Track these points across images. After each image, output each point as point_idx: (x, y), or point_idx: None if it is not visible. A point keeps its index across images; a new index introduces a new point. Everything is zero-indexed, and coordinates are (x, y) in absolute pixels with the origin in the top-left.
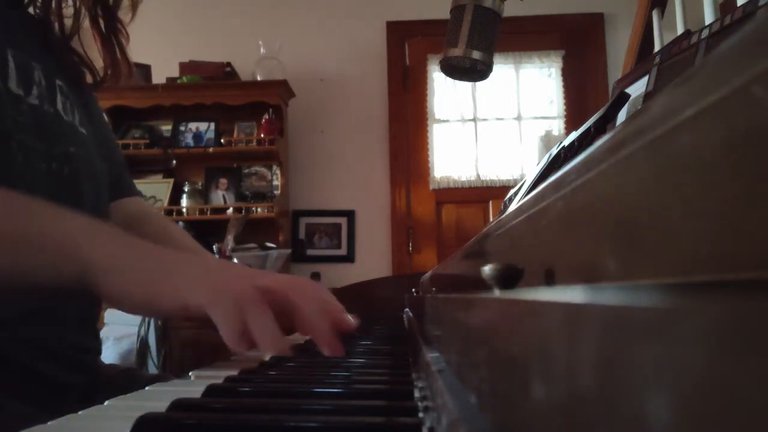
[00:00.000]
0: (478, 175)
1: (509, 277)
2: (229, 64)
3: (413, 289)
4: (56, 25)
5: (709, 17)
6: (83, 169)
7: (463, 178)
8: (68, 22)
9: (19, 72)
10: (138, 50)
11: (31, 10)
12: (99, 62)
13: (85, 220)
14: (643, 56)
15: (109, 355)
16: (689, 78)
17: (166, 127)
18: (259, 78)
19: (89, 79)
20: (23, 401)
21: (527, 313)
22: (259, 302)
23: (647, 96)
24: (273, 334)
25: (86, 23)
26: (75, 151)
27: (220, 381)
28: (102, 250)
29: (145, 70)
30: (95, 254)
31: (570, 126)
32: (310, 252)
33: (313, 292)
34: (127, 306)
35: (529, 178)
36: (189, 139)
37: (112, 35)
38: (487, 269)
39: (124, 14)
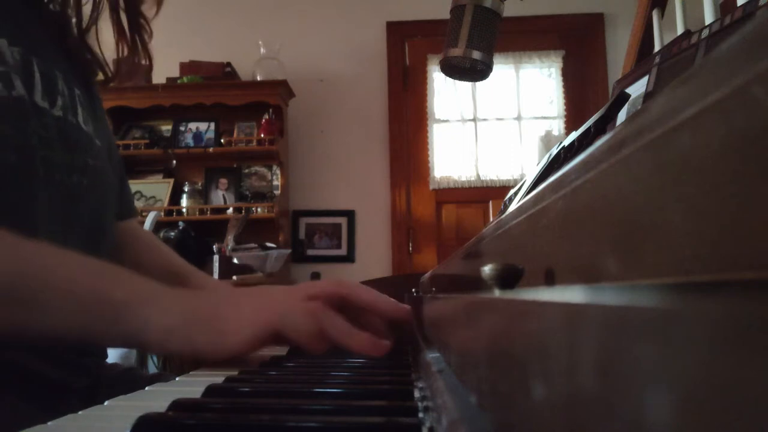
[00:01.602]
0: (478, 175)
1: (509, 277)
2: (229, 64)
3: (413, 289)
4: (74, 20)
5: (709, 17)
6: (99, 182)
7: (463, 178)
8: (86, 17)
9: (44, 82)
10: None
11: (51, 6)
12: (111, 56)
13: (138, 281)
14: (643, 56)
15: (109, 355)
16: (689, 78)
17: (166, 127)
18: (259, 78)
19: (100, 77)
20: (25, 402)
21: (527, 313)
22: (322, 307)
23: (647, 96)
24: (350, 330)
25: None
26: (93, 163)
27: (220, 381)
28: (159, 312)
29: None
30: (153, 318)
31: (570, 126)
32: (310, 252)
33: (357, 285)
34: (191, 354)
35: (529, 178)
36: (189, 139)
37: (135, 33)
38: (487, 269)
39: (148, 9)
